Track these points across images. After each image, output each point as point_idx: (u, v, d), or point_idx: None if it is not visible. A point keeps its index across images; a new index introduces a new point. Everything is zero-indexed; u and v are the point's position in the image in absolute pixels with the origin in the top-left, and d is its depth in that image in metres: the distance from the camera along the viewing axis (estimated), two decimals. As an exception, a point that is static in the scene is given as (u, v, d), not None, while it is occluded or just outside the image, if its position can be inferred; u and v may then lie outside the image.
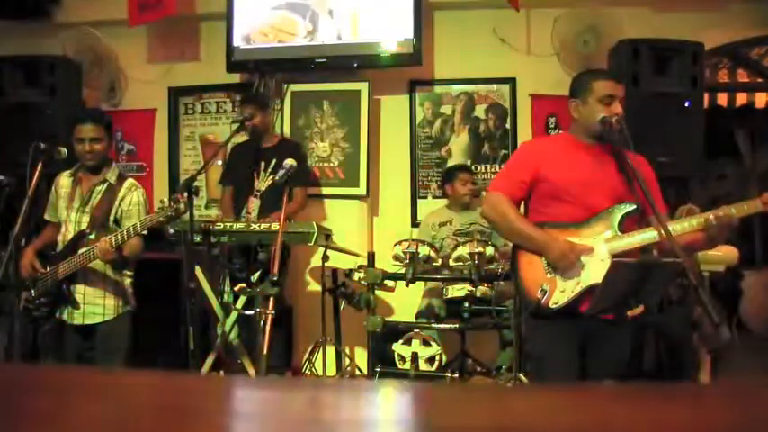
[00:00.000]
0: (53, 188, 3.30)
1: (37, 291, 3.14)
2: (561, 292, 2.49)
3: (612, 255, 2.47)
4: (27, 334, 3.17)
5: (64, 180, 3.28)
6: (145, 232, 3.07)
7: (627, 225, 2.53)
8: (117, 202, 3.20)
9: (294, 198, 4.11)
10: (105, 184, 3.22)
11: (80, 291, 3.15)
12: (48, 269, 3.15)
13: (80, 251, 3.09)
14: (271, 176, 4.18)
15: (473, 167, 4.88)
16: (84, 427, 0.63)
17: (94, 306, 3.16)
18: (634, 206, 2.52)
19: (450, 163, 4.92)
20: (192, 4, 5.05)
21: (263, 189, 4.23)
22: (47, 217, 3.33)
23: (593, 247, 2.51)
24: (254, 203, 4.22)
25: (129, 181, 3.29)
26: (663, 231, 2.37)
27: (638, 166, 2.50)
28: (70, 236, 3.16)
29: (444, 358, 3.84)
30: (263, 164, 4.27)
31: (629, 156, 2.52)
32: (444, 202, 4.61)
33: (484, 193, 4.52)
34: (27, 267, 3.15)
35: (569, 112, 2.66)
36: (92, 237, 3.10)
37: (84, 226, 3.15)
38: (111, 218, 3.19)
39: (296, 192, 4.15)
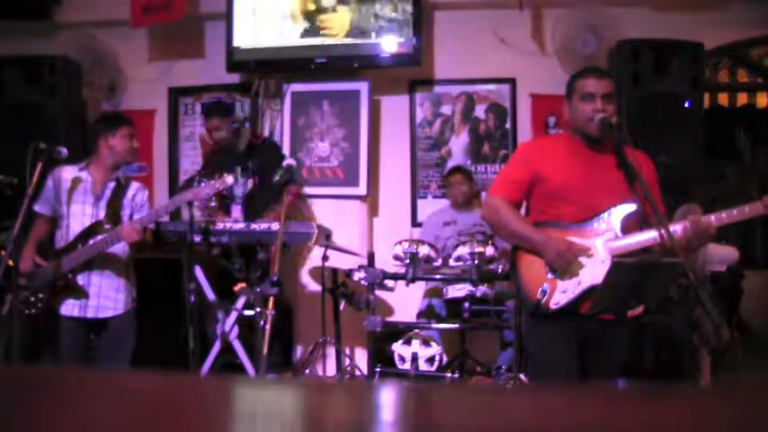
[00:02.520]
0: (51, 181, 3.26)
1: (33, 286, 3.14)
2: (562, 293, 2.49)
3: (613, 255, 2.47)
4: (27, 334, 3.16)
5: (67, 174, 3.27)
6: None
7: (627, 225, 2.53)
8: (129, 199, 3.28)
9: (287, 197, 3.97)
10: (115, 182, 3.28)
11: (95, 282, 3.16)
12: (50, 263, 3.15)
13: (99, 237, 3.11)
14: (249, 180, 4.09)
15: (473, 167, 4.88)
16: (84, 427, 0.63)
17: (108, 299, 3.18)
18: (634, 206, 2.52)
19: (451, 163, 4.93)
20: (191, 4, 5.05)
21: (241, 194, 4.11)
22: (38, 209, 3.26)
23: (591, 246, 2.50)
24: (235, 210, 4.12)
25: (136, 182, 3.39)
26: (663, 231, 2.37)
27: (638, 164, 2.49)
28: (77, 228, 3.16)
29: (444, 358, 3.84)
30: (238, 168, 4.12)
31: (628, 153, 2.51)
32: (448, 201, 4.63)
33: (484, 194, 4.54)
34: (28, 262, 3.16)
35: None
36: (107, 227, 3.14)
37: (101, 219, 3.19)
38: (128, 212, 3.25)
39: (291, 188, 4.08)
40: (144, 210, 3.29)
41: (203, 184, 3.07)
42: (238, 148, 4.26)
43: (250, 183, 4.11)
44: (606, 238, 2.51)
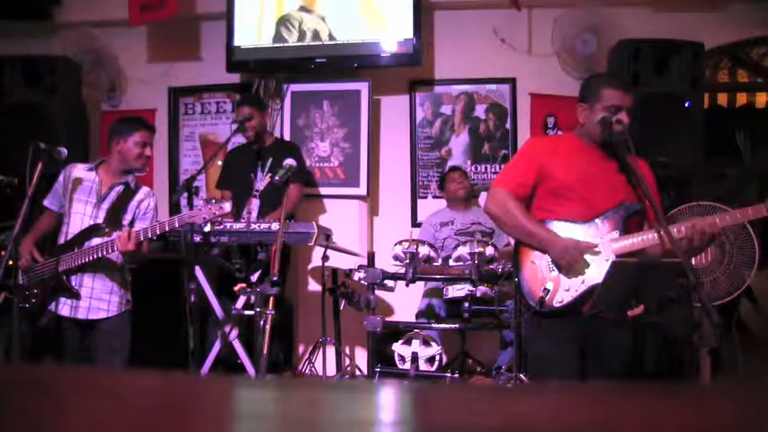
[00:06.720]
0: (61, 178, 3.27)
1: (29, 280, 3.13)
2: (566, 291, 2.48)
3: (618, 255, 2.47)
4: (26, 333, 3.16)
5: (78, 172, 3.26)
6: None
7: (629, 226, 2.53)
8: (135, 204, 3.23)
9: (288, 195, 3.98)
10: (124, 186, 3.24)
11: (87, 284, 3.13)
12: (47, 259, 3.14)
13: (95, 243, 3.09)
14: (268, 175, 4.17)
15: (473, 167, 4.89)
16: (84, 427, 0.63)
17: (100, 301, 3.15)
18: (638, 207, 2.53)
19: (451, 163, 4.93)
20: (192, 3, 5.06)
21: (262, 189, 4.22)
22: (46, 203, 3.30)
23: (597, 244, 2.50)
24: (253, 203, 4.21)
25: (146, 188, 3.33)
26: (665, 233, 2.37)
27: (639, 169, 2.50)
28: (76, 228, 3.15)
29: (444, 358, 3.83)
30: (260, 164, 4.26)
31: (630, 158, 2.52)
32: (445, 202, 4.63)
33: (484, 192, 4.54)
34: (26, 257, 3.15)
35: (576, 114, 2.64)
36: (107, 230, 3.12)
37: (99, 221, 3.16)
38: (130, 218, 3.21)
39: (291, 188, 4.09)
40: (147, 217, 3.22)
41: (204, 208, 3.03)
42: (263, 143, 4.32)
43: (268, 178, 4.14)
44: (610, 238, 2.51)
